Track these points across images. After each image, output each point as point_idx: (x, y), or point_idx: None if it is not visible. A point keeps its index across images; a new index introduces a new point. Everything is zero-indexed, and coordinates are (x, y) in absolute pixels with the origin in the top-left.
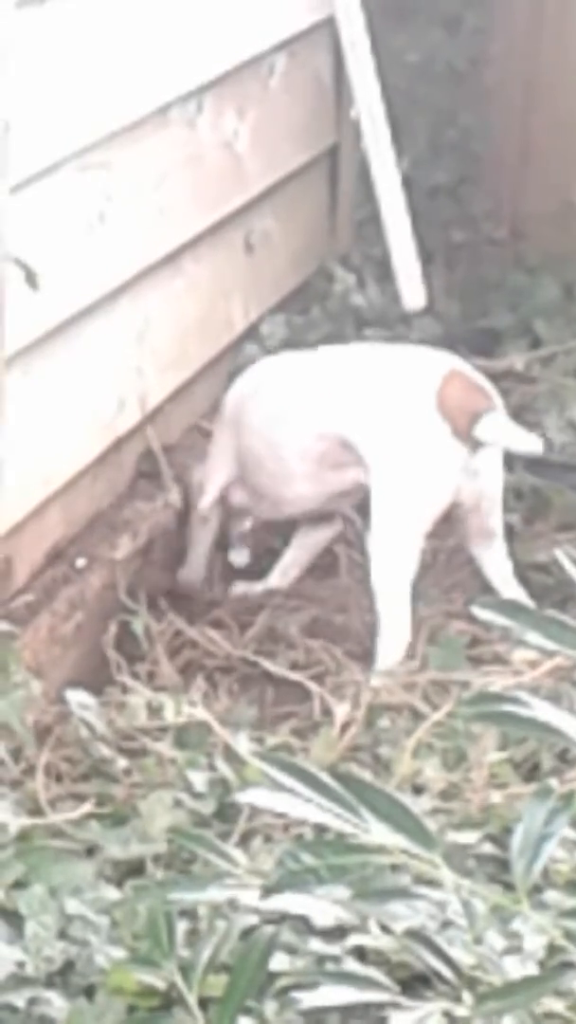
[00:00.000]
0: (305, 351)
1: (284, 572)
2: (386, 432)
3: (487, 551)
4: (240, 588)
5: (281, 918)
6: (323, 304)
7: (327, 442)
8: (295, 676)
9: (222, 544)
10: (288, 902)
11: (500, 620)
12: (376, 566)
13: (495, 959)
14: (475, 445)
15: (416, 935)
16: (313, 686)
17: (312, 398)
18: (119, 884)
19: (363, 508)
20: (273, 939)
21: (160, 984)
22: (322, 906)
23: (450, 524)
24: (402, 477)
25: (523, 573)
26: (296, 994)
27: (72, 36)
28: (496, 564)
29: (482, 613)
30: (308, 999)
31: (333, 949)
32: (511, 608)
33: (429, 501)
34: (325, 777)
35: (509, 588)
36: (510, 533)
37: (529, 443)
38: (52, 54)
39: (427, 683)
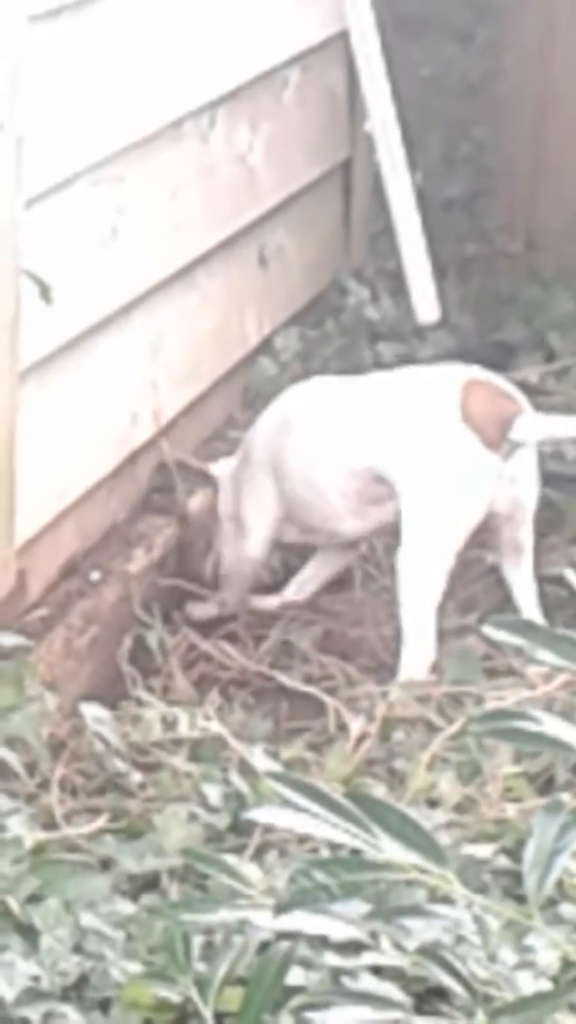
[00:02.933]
0: (329, 380)
1: (301, 587)
2: (416, 456)
3: (515, 569)
4: (255, 601)
5: (297, 932)
6: (337, 318)
7: (361, 479)
8: (310, 690)
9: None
10: (300, 921)
11: (512, 639)
12: (404, 583)
13: (508, 975)
14: (509, 452)
15: (429, 952)
16: (328, 699)
17: (339, 436)
18: (134, 898)
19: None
20: (289, 954)
21: (176, 998)
22: (335, 924)
23: (479, 537)
24: (435, 496)
25: (537, 586)
26: (310, 1015)
27: (85, 50)
28: (523, 584)
29: (494, 632)
30: (322, 1019)
31: (349, 964)
32: (522, 627)
33: (462, 517)
34: (337, 795)
35: (530, 610)
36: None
37: (573, 425)
38: (65, 68)
39: (442, 696)
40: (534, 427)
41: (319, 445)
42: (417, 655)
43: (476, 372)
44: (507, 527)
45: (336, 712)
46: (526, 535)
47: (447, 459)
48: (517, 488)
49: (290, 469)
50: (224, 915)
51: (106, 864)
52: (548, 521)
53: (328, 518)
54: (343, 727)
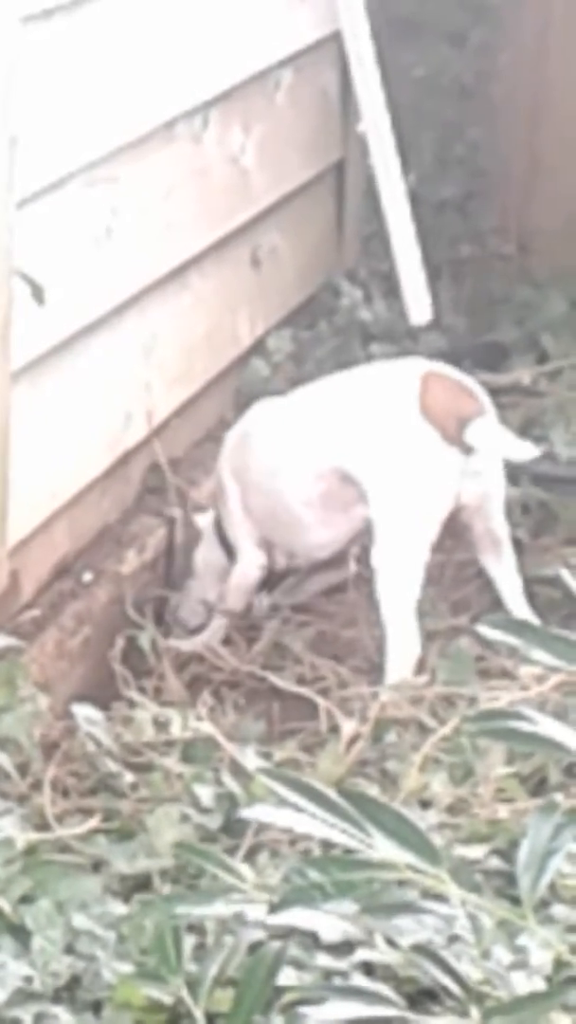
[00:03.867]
0: (284, 394)
1: (290, 591)
2: (378, 452)
3: (497, 564)
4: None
5: (288, 933)
6: (330, 319)
7: (326, 480)
8: (302, 691)
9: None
10: (295, 917)
11: (506, 638)
12: (382, 581)
13: (502, 974)
14: (469, 447)
15: (423, 950)
16: (320, 700)
17: (300, 441)
18: (126, 899)
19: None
20: (280, 954)
21: (167, 999)
22: (329, 921)
23: (458, 535)
24: (400, 491)
25: (530, 587)
26: (303, 1009)
27: (78, 51)
28: (506, 578)
29: (488, 632)
30: (315, 1014)
31: (340, 964)
32: (517, 626)
33: (429, 511)
34: (331, 793)
35: (517, 605)
36: (518, 547)
37: (522, 450)
38: (58, 69)
39: (434, 697)
40: (488, 435)
41: (279, 453)
42: (402, 652)
43: (435, 366)
44: (478, 520)
45: (328, 713)
46: (500, 527)
47: (408, 454)
48: (483, 481)
49: (253, 484)
50: (218, 908)
51: (98, 865)
52: (541, 523)
53: (293, 530)
54: (335, 728)
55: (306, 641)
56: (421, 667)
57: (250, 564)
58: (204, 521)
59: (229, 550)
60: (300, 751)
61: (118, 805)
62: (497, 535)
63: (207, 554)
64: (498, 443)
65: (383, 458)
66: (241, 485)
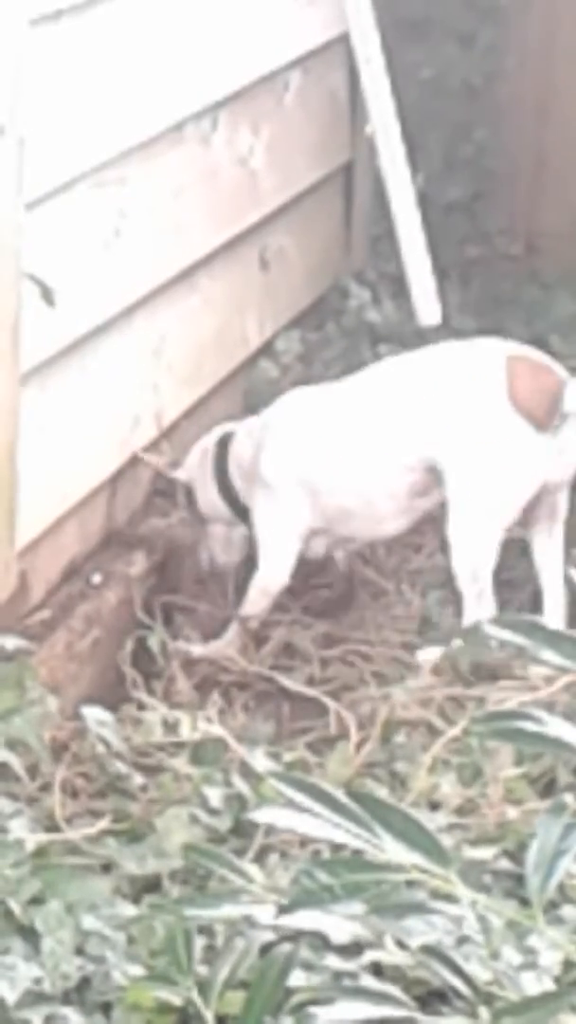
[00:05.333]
0: (318, 388)
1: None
2: (468, 444)
3: (548, 538)
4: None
5: (298, 934)
6: (338, 320)
7: (414, 473)
8: (311, 692)
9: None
10: (304, 920)
11: (514, 639)
12: (457, 556)
13: (511, 975)
14: (559, 426)
15: (432, 951)
16: (329, 702)
17: (383, 435)
18: (136, 900)
19: None
20: (291, 957)
21: (177, 1001)
22: (338, 923)
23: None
24: (485, 482)
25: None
26: (313, 1010)
27: (87, 53)
28: (553, 552)
29: (496, 632)
30: (325, 1015)
31: (350, 965)
32: (525, 627)
33: (513, 499)
34: (339, 795)
35: (556, 581)
36: (520, 548)
37: None
38: (67, 71)
39: (443, 698)
40: None
41: (362, 448)
42: (477, 612)
43: (512, 348)
44: (548, 494)
45: (337, 714)
46: (563, 499)
47: (499, 447)
48: (565, 458)
49: (327, 483)
50: (228, 910)
51: (107, 866)
52: None
53: (370, 522)
54: (344, 729)
55: (315, 642)
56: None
57: (283, 570)
58: (187, 473)
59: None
60: (309, 752)
61: (127, 807)
62: (558, 508)
63: (209, 507)
64: None
65: (474, 450)
66: (309, 488)
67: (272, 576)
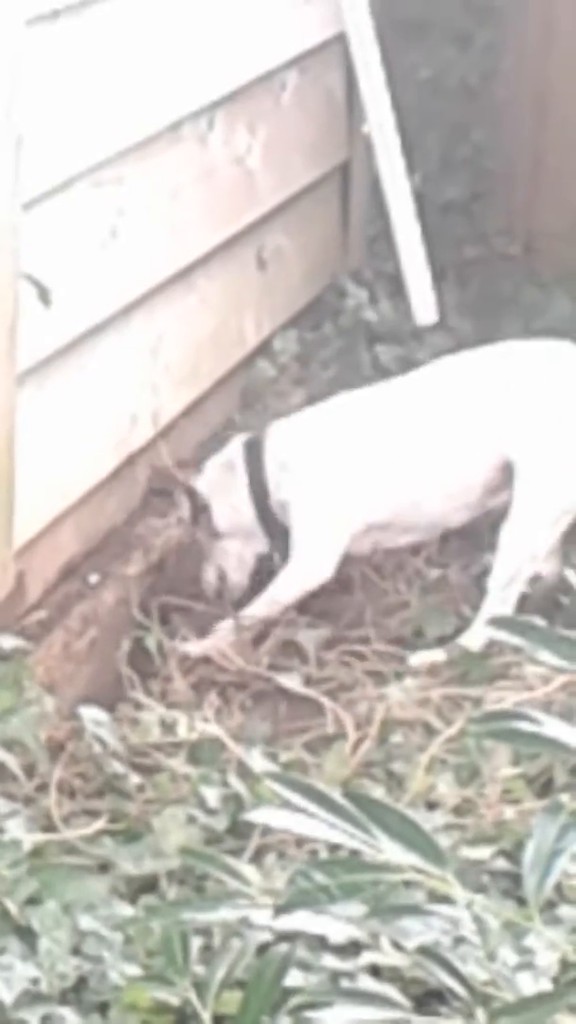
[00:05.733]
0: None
1: None
2: (549, 450)
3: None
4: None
5: (295, 934)
6: (335, 320)
7: (495, 470)
8: (308, 692)
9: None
10: (300, 921)
11: (512, 639)
12: (505, 556)
13: (508, 975)
14: None
15: (428, 952)
16: (327, 702)
17: (466, 433)
18: (133, 900)
19: None
20: (288, 957)
21: (174, 1001)
22: (334, 924)
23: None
24: (556, 487)
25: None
26: (310, 1014)
27: (84, 53)
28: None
29: (494, 632)
30: (321, 1018)
31: (347, 965)
32: (522, 627)
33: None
34: (336, 796)
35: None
36: None
37: None
38: (64, 71)
39: (440, 698)
40: None
41: (442, 445)
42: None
43: None
44: None
45: (334, 714)
46: None
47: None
48: None
49: (401, 477)
50: (224, 914)
51: (104, 866)
52: None
53: (436, 516)
54: (342, 729)
55: (314, 642)
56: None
57: (326, 565)
58: (205, 485)
59: (275, 539)
60: (306, 752)
61: (124, 806)
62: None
63: (224, 520)
64: None
65: (553, 454)
66: (377, 483)
67: (319, 571)
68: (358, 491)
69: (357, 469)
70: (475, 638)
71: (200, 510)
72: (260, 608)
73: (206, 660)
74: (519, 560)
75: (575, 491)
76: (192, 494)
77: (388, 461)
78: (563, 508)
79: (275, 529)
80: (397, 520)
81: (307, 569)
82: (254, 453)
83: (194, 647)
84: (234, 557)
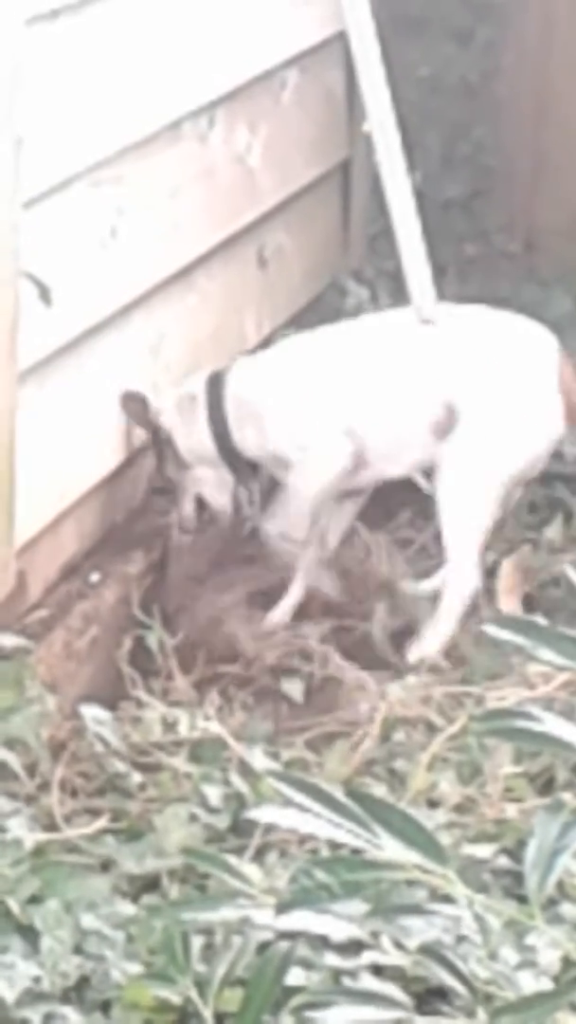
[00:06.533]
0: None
1: (322, 541)
2: (497, 401)
3: None
4: (276, 617)
5: (297, 932)
6: (336, 318)
7: (444, 409)
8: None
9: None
10: (301, 920)
11: (513, 638)
12: (447, 507)
13: (509, 974)
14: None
15: (430, 951)
16: (352, 669)
17: (424, 373)
18: (134, 899)
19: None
20: (289, 954)
21: (176, 999)
22: (336, 923)
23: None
24: (501, 438)
25: (535, 587)
26: (311, 1014)
27: (83, 52)
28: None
29: (495, 631)
30: (323, 1018)
31: (349, 964)
32: (523, 625)
33: (515, 472)
34: (338, 794)
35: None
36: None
37: None
38: (64, 70)
39: (442, 696)
40: None
41: (401, 372)
42: (461, 579)
43: (556, 341)
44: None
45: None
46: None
47: (528, 416)
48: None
49: (351, 411)
50: (225, 913)
51: (106, 865)
52: (546, 521)
53: (392, 448)
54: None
55: (318, 636)
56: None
57: (339, 449)
58: (165, 415)
59: (239, 474)
60: (308, 750)
61: (126, 805)
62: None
63: (194, 447)
64: None
65: (500, 406)
66: (354, 417)
67: (330, 457)
68: (326, 407)
69: (319, 393)
70: (431, 643)
71: (164, 443)
72: (286, 515)
73: (206, 659)
74: (469, 524)
75: (519, 448)
76: (155, 428)
77: (340, 397)
78: (504, 465)
79: (238, 463)
80: (368, 463)
81: (318, 460)
82: (215, 388)
83: (277, 615)
84: (211, 483)
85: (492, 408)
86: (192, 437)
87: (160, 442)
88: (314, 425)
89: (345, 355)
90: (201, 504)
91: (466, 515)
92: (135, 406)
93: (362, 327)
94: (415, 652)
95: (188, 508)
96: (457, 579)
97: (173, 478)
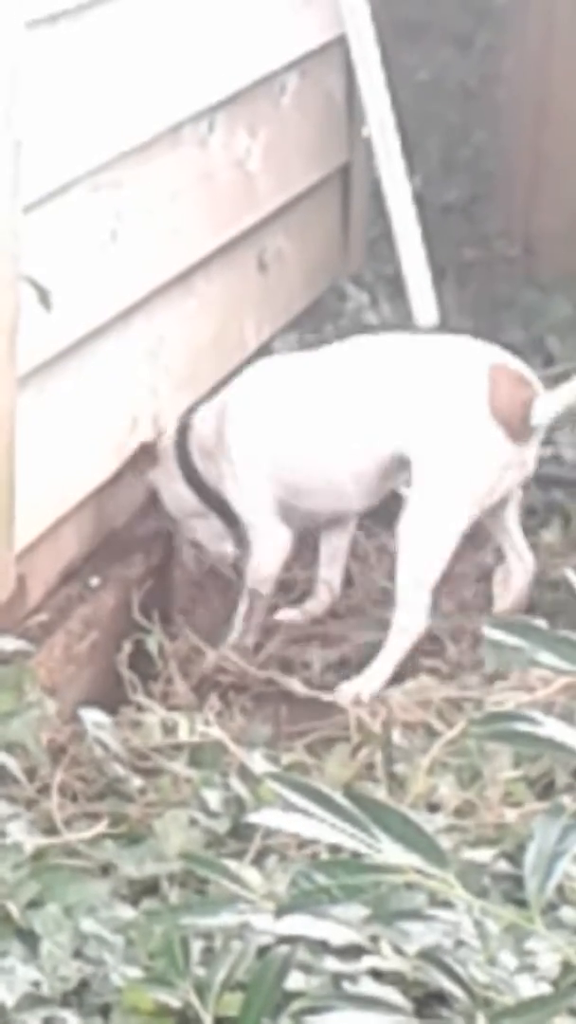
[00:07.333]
0: (290, 359)
1: (329, 586)
2: (440, 444)
3: (504, 515)
4: (286, 614)
5: (296, 937)
6: (335, 322)
7: (381, 459)
8: (311, 694)
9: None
10: (301, 925)
11: (511, 640)
12: (404, 553)
13: (509, 978)
14: (526, 436)
15: (429, 955)
16: (327, 696)
17: (358, 419)
18: (134, 903)
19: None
20: (289, 959)
21: (176, 1003)
22: (335, 927)
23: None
24: (450, 484)
25: (535, 590)
26: (311, 1018)
27: (83, 56)
28: (509, 523)
29: (493, 633)
30: (323, 1023)
31: (348, 968)
32: (522, 628)
33: (475, 504)
34: (338, 797)
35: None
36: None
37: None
38: (63, 74)
39: (441, 700)
40: (549, 407)
41: (332, 428)
42: (409, 621)
43: (496, 355)
44: (503, 507)
45: (336, 716)
46: (518, 492)
47: (471, 453)
48: (526, 469)
49: (290, 459)
50: (224, 918)
51: (106, 869)
52: (545, 524)
53: (331, 498)
54: (344, 731)
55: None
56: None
57: (279, 545)
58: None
59: (227, 518)
60: (307, 754)
61: (126, 809)
62: (513, 496)
63: (176, 501)
64: (563, 402)
65: (447, 451)
66: (270, 457)
67: (273, 554)
68: (262, 469)
69: (259, 447)
70: (368, 683)
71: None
72: (246, 607)
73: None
74: (420, 561)
75: (472, 485)
76: (149, 484)
77: (284, 440)
78: (460, 503)
79: (220, 506)
80: (291, 501)
81: (266, 558)
82: (182, 438)
83: (292, 613)
84: (204, 532)
85: (434, 452)
86: (171, 490)
87: (153, 495)
88: (257, 506)
89: (297, 401)
90: (200, 550)
91: (420, 560)
92: (144, 458)
93: (317, 365)
94: (347, 690)
95: (187, 555)
96: (405, 620)
97: (170, 527)
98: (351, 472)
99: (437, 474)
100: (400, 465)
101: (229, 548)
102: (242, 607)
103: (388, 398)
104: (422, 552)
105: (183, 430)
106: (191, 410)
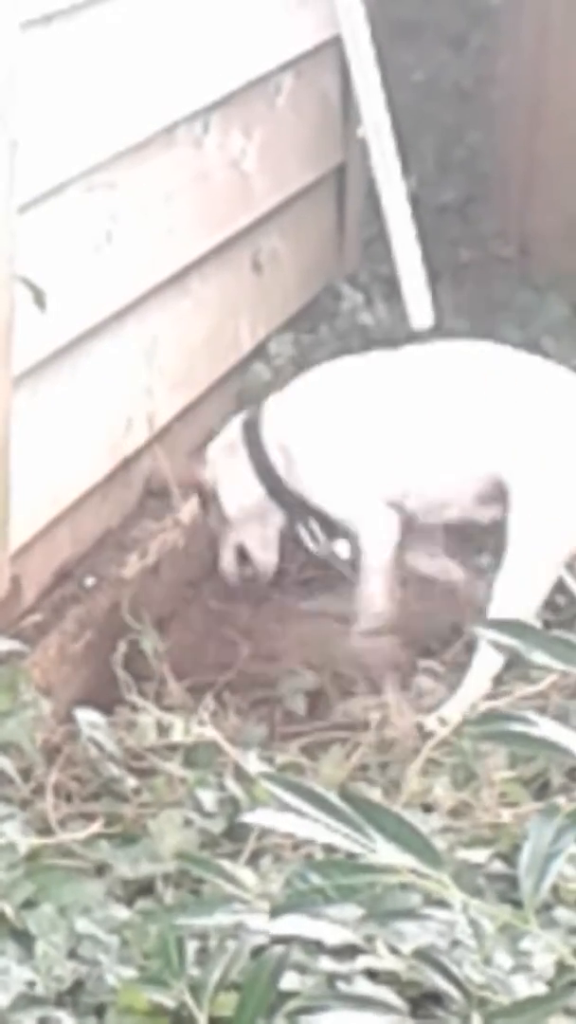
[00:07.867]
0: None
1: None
2: (543, 474)
3: None
4: (311, 604)
5: (291, 937)
6: (331, 323)
7: (484, 483)
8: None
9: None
10: (295, 925)
11: (505, 640)
12: (502, 592)
13: (504, 978)
14: None
15: (424, 955)
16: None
17: (460, 443)
18: (129, 903)
19: None
20: (283, 959)
21: (170, 1003)
22: (330, 928)
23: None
24: (551, 522)
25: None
26: (306, 1018)
27: (78, 56)
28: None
29: (487, 633)
30: (317, 1023)
31: (343, 968)
32: (517, 628)
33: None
34: (332, 797)
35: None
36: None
37: None
38: (58, 74)
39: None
40: None
41: (446, 442)
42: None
43: None
44: None
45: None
46: None
47: (570, 486)
48: None
49: (399, 454)
50: (219, 918)
51: (101, 869)
52: None
53: (435, 505)
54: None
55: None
56: None
57: (390, 526)
58: (207, 471)
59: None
60: (302, 755)
61: (121, 809)
62: None
63: (240, 500)
64: None
65: (545, 484)
66: (371, 453)
67: (379, 541)
68: (364, 465)
69: (357, 445)
70: (459, 704)
71: (209, 499)
72: (371, 600)
73: (203, 666)
74: (521, 600)
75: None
76: (199, 485)
77: (386, 438)
78: (564, 538)
79: (291, 502)
80: (409, 495)
81: (375, 537)
82: (253, 434)
83: (364, 623)
84: (256, 538)
85: (543, 488)
86: (237, 488)
87: (205, 494)
88: (357, 497)
89: (389, 406)
90: (242, 555)
91: (517, 597)
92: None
93: (405, 368)
94: (435, 716)
95: (228, 559)
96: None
97: (214, 528)
98: (454, 493)
99: (540, 504)
100: (493, 488)
101: (274, 558)
102: (366, 591)
103: (489, 424)
104: (517, 590)
105: (252, 426)
106: (256, 405)
